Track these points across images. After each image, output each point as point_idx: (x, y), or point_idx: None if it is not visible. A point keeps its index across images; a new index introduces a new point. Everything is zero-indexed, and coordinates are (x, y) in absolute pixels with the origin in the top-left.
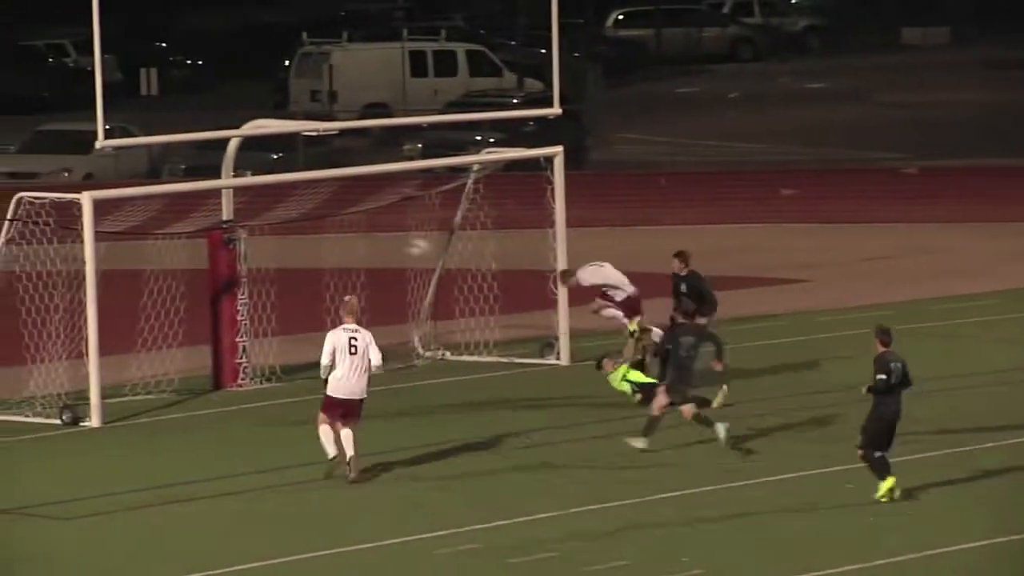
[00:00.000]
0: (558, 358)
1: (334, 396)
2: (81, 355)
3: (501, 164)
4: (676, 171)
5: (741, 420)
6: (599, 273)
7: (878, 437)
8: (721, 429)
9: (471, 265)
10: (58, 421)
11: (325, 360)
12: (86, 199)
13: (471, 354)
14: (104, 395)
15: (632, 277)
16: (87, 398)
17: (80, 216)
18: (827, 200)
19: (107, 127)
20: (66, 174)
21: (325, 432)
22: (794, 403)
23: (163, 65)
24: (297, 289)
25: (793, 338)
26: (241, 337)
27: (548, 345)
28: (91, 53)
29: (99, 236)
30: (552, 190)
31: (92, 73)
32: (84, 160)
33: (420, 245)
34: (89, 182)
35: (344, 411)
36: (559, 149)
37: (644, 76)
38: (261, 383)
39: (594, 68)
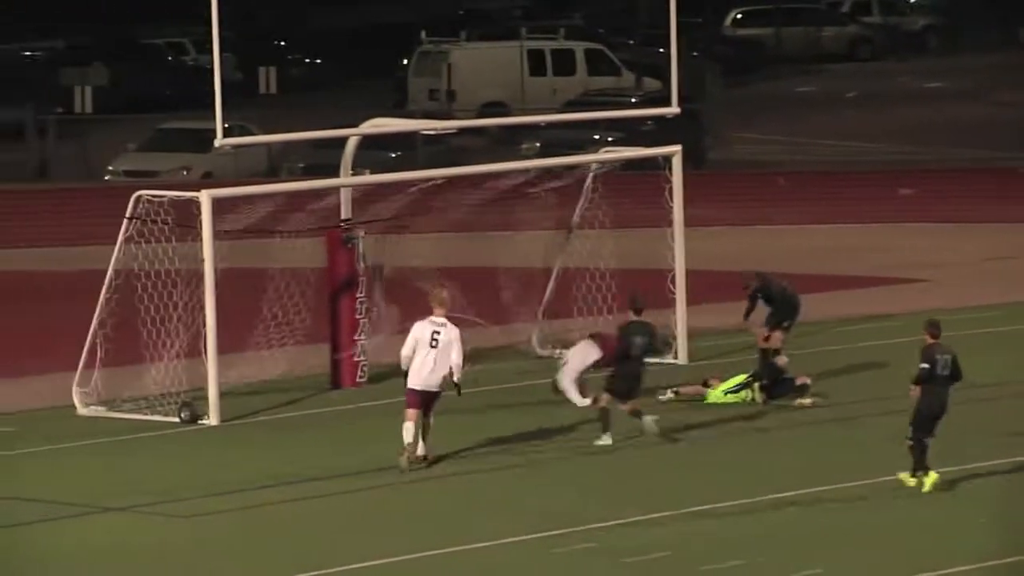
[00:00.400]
0: (676, 357)
1: (412, 387)
2: (200, 353)
3: (619, 163)
4: (794, 170)
5: (855, 420)
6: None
7: (922, 424)
8: (649, 421)
9: (589, 264)
10: (176, 419)
11: (406, 351)
12: (205, 197)
13: None
14: (222, 393)
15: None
16: (205, 396)
17: (199, 214)
18: (945, 199)
19: (226, 126)
20: (185, 172)
21: (408, 427)
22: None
23: (282, 64)
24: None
25: (908, 338)
26: (360, 335)
27: (666, 344)
28: (210, 52)
29: (218, 234)
30: (670, 189)
31: (211, 72)
32: (203, 159)
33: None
34: (208, 180)
35: (426, 401)
36: (677, 148)
37: (763, 75)
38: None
39: (712, 67)
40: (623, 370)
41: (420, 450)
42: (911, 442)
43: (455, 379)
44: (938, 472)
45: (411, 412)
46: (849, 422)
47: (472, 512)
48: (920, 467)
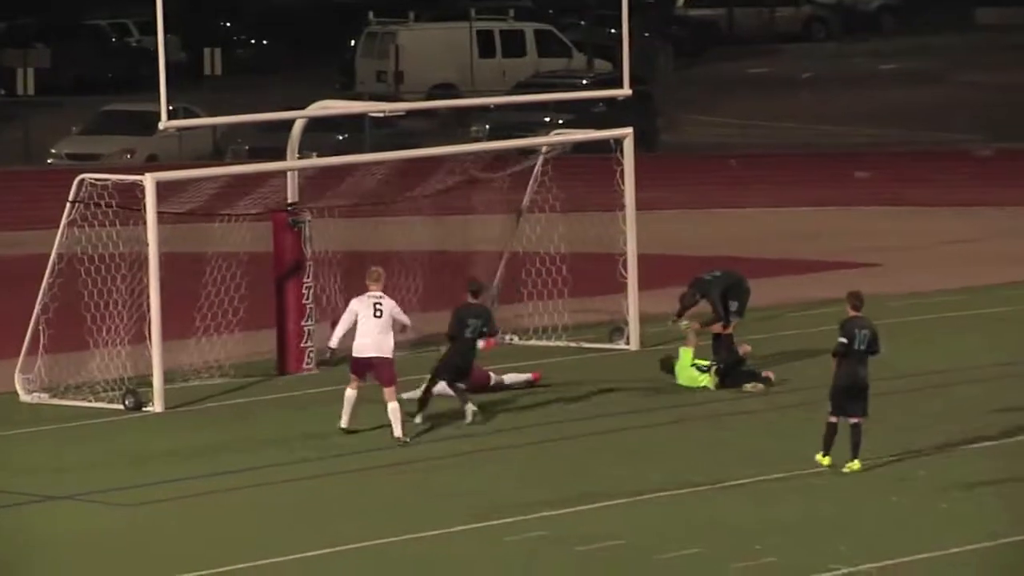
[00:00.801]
0: (627, 343)
1: (360, 356)
2: (144, 338)
3: (570, 146)
4: (748, 153)
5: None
6: None
7: (836, 399)
8: (470, 410)
9: (539, 248)
10: (121, 406)
11: (340, 329)
12: (149, 181)
13: (539, 339)
14: (167, 380)
15: (704, 261)
16: (150, 383)
17: (143, 198)
18: (901, 183)
19: (171, 108)
20: (129, 156)
21: (350, 397)
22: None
23: (227, 45)
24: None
25: None
26: (307, 321)
27: (617, 330)
28: (154, 33)
29: (162, 218)
30: (622, 172)
31: (155, 53)
32: (147, 141)
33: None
34: (152, 163)
35: (374, 372)
36: (629, 131)
37: (715, 56)
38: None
39: (665, 49)
40: (453, 352)
41: (397, 431)
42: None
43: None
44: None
45: (355, 381)
46: (807, 407)
47: (423, 500)
48: (828, 446)
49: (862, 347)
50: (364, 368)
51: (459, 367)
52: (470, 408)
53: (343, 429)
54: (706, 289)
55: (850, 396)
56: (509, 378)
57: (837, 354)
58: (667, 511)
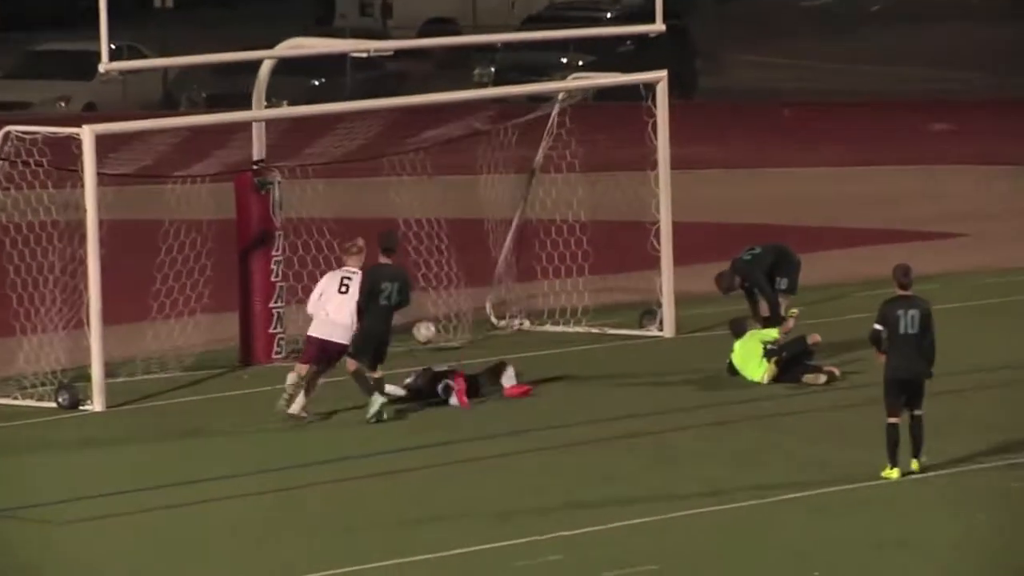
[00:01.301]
0: (661, 329)
1: (314, 336)
2: (81, 324)
3: (592, 92)
4: (804, 101)
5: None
6: None
7: (890, 397)
8: (376, 403)
9: (555, 215)
10: (53, 404)
11: (311, 307)
12: (87, 134)
13: (555, 323)
14: (109, 373)
15: (752, 231)
16: (89, 377)
17: (80, 155)
18: (990, 137)
19: (113, 47)
20: (63, 104)
21: (294, 377)
22: (938, 384)
23: None
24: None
25: (948, 304)
26: (276, 302)
27: (649, 313)
28: None
29: (103, 179)
30: (654, 124)
31: None
32: (85, 87)
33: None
34: (91, 113)
35: (327, 356)
36: (663, 74)
37: None
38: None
39: None
40: (369, 326)
41: (296, 407)
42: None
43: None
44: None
45: (302, 366)
46: (876, 406)
47: (418, 516)
48: (893, 455)
49: (912, 331)
50: (316, 351)
51: (378, 343)
52: (377, 400)
53: (291, 415)
54: (747, 271)
55: (905, 392)
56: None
57: (874, 343)
58: (707, 530)
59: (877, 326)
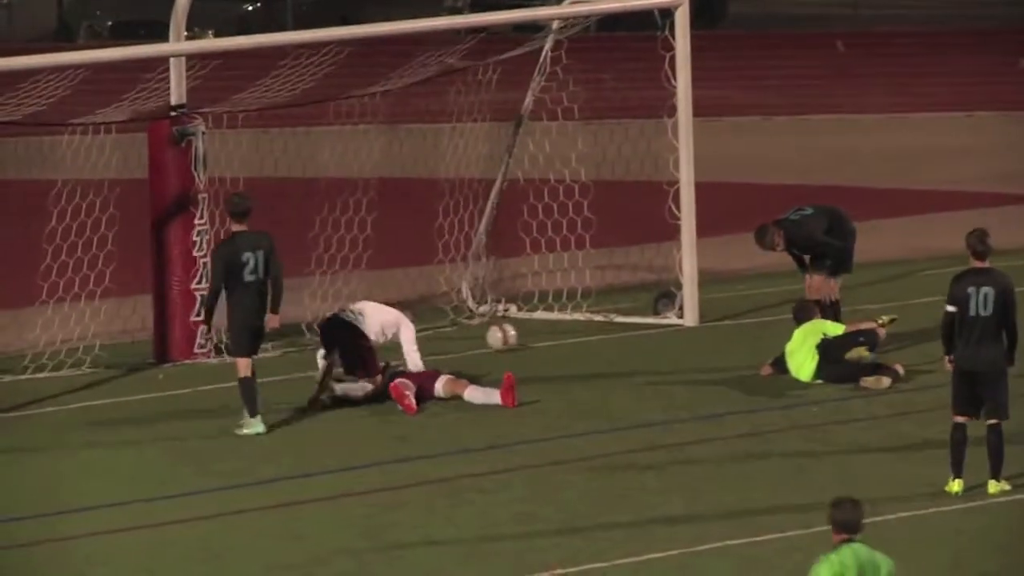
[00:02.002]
0: (680, 315)
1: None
2: None
3: (594, 21)
4: (857, 31)
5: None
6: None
7: (957, 392)
8: (253, 426)
9: (548, 174)
10: None
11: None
12: None
13: (549, 309)
14: None
15: (793, 194)
16: None
17: None
18: None
19: None
20: None
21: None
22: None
23: None
24: (281, 209)
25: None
26: (199, 283)
27: (666, 296)
28: None
29: None
30: (672, 59)
31: None
32: None
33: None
34: None
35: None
36: None
37: None
38: (227, 353)
39: None
40: (235, 311)
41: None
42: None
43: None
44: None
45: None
46: (936, 415)
47: (385, 549)
48: (958, 464)
49: (984, 312)
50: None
51: (256, 329)
52: (254, 425)
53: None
54: (797, 231)
55: (974, 386)
56: (470, 394)
57: (945, 335)
58: (738, 567)
59: (949, 307)
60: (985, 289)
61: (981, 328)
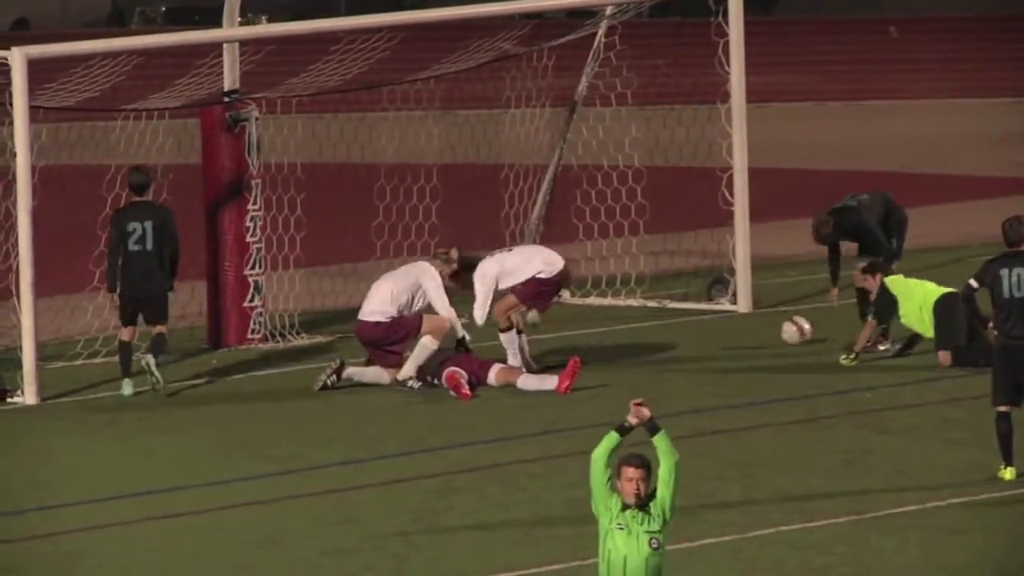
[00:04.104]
0: (734, 301)
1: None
2: (9, 295)
3: (647, 6)
4: (913, 16)
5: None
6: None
7: (997, 379)
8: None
9: (601, 160)
10: None
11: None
12: (17, 57)
13: (603, 295)
14: (44, 357)
15: (848, 179)
16: (17, 361)
17: (8, 84)
18: None
19: None
20: None
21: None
22: None
23: None
24: (337, 195)
25: None
26: (252, 269)
27: (719, 282)
28: None
29: (36, 114)
30: (726, 45)
31: None
32: (14, 1)
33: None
34: (22, 32)
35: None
36: None
37: None
38: (282, 339)
39: None
40: (127, 280)
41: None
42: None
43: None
44: None
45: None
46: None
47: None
48: (1007, 450)
49: (1018, 294)
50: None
51: (139, 300)
52: (151, 366)
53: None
54: (851, 218)
55: (1013, 370)
56: (523, 382)
57: (964, 302)
58: (793, 551)
59: (972, 282)
60: (1018, 270)
61: (1015, 309)
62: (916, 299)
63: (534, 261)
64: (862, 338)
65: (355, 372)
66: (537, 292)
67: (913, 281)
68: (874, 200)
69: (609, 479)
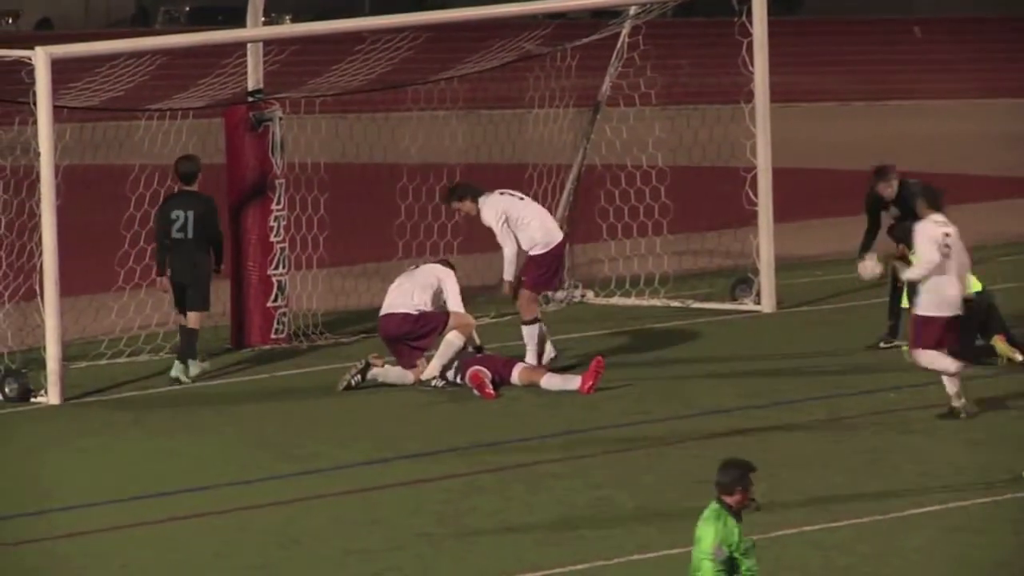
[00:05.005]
0: (758, 302)
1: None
2: (33, 295)
3: (671, 6)
4: (938, 16)
5: None
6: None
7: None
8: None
9: (625, 160)
10: None
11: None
12: (41, 58)
13: (626, 295)
14: (68, 357)
15: (864, 179)
16: (42, 360)
17: (32, 84)
18: None
19: None
20: (11, 20)
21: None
22: None
23: None
24: (360, 195)
25: None
26: (276, 268)
27: (743, 282)
28: None
29: (60, 114)
30: (750, 45)
31: None
32: (38, 1)
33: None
34: (46, 32)
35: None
36: None
37: None
38: (306, 339)
39: None
40: (172, 267)
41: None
42: None
43: None
44: None
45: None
46: (1007, 403)
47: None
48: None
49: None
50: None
51: (183, 281)
52: (179, 368)
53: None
54: (911, 192)
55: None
56: (547, 381)
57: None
58: (816, 550)
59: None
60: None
61: None
62: None
63: (532, 226)
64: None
65: (379, 372)
66: (541, 275)
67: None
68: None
69: None
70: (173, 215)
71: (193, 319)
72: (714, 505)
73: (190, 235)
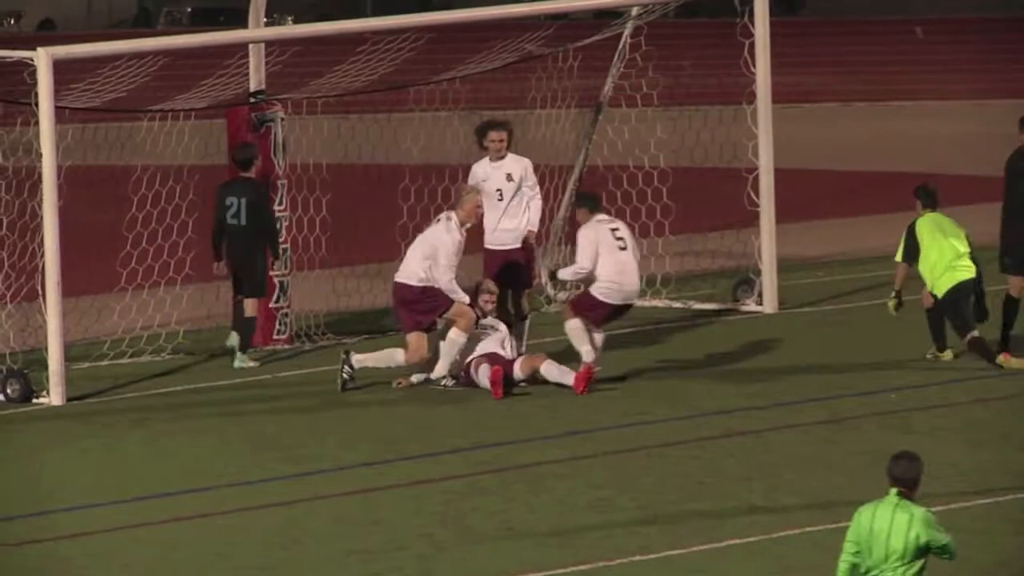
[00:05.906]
0: (759, 302)
1: None
2: (35, 296)
3: (673, 7)
4: (940, 17)
5: None
6: None
7: None
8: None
9: (627, 160)
10: (0, 396)
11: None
12: (43, 58)
13: None
14: (70, 358)
15: (876, 181)
16: (44, 362)
17: (34, 84)
18: None
19: None
20: (12, 21)
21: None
22: None
23: None
24: (362, 195)
25: None
26: (278, 269)
27: (745, 283)
28: None
29: (62, 115)
30: (752, 46)
31: None
32: (40, 1)
33: None
34: (48, 33)
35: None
36: None
37: None
38: (308, 339)
39: None
40: (228, 248)
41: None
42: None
43: None
44: None
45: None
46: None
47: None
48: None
49: None
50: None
51: (239, 270)
52: (241, 358)
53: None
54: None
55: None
56: (546, 368)
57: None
58: (818, 551)
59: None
60: None
61: None
62: (931, 259)
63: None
64: None
65: (363, 357)
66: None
67: (942, 239)
68: None
69: None
70: (228, 201)
71: (250, 307)
72: (920, 508)
73: (243, 222)
